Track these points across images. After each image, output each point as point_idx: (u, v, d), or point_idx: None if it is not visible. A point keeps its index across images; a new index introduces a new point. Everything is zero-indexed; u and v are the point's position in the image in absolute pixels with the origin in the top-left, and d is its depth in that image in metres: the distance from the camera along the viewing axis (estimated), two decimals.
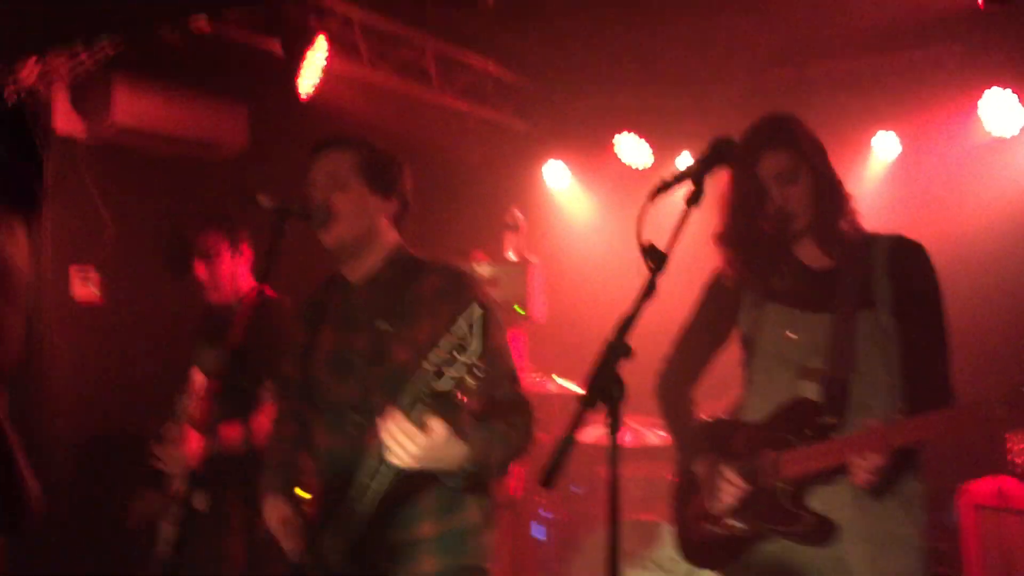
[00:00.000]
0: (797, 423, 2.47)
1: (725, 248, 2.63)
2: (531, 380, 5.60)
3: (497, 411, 2.32)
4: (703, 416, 2.82)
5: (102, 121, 4.43)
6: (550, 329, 5.78)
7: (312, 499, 2.51)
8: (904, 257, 2.50)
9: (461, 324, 1.99)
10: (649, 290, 1.80)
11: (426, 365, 2.02)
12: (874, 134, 5.74)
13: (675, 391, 2.82)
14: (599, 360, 1.72)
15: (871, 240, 2.55)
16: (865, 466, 2.29)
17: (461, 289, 2.36)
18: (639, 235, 1.82)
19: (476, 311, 2.00)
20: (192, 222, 3.63)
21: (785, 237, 2.56)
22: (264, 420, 3.31)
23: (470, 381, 2.00)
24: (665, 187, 1.91)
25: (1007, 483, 4.14)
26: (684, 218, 1.86)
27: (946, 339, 2.49)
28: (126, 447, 4.40)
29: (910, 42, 5.34)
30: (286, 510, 2.45)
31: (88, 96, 4.46)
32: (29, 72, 3.97)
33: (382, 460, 2.12)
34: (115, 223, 4.64)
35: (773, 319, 2.59)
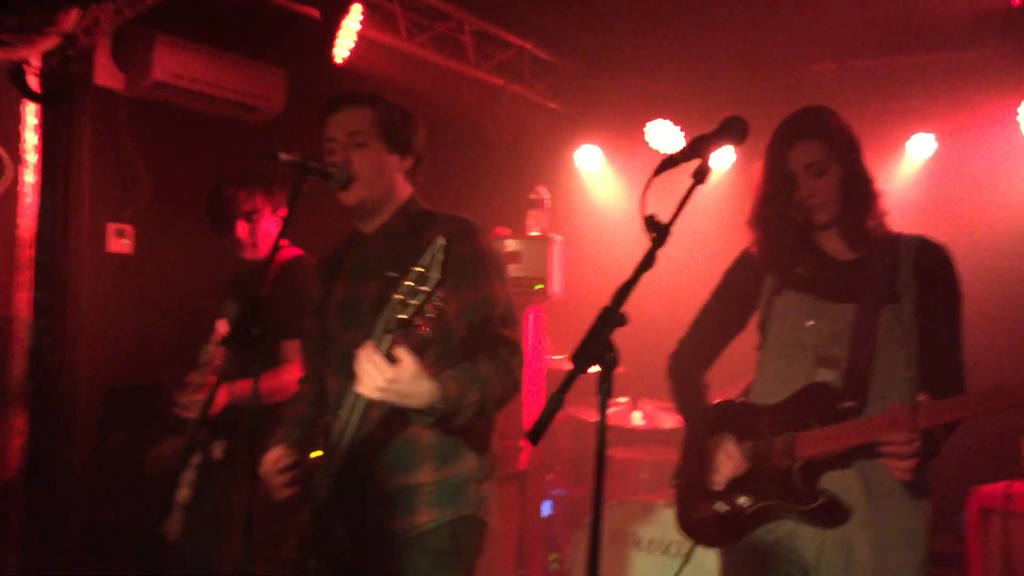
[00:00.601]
0: (816, 406, 2.49)
1: (754, 233, 2.67)
2: (550, 359, 5.65)
3: (480, 350, 2.33)
4: (715, 399, 2.83)
5: (143, 76, 4.50)
6: (572, 310, 5.80)
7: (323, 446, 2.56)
8: (931, 257, 2.54)
9: (426, 255, 2.05)
10: (648, 261, 1.82)
11: (395, 296, 2.07)
12: (911, 134, 5.71)
13: (688, 372, 2.84)
14: (593, 325, 1.74)
15: (896, 239, 2.58)
16: (898, 451, 2.30)
17: (466, 236, 2.39)
18: (642, 207, 1.85)
19: (439, 242, 2.05)
20: (235, 181, 3.67)
21: (810, 227, 2.59)
22: (278, 378, 3.38)
23: (429, 311, 2.05)
24: (671, 162, 1.94)
25: (1016, 487, 4.13)
26: (689, 193, 1.89)
27: (962, 340, 2.54)
28: (151, 395, 4.50)
29: (951, 43, 5.29)
30: (283, 459, 2.44)
31: (130, 51, 4.52)
32: (72, 21, 4.04)
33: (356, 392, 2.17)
34: (151, 178, 4.72)
35: (793, 306, 2.61)
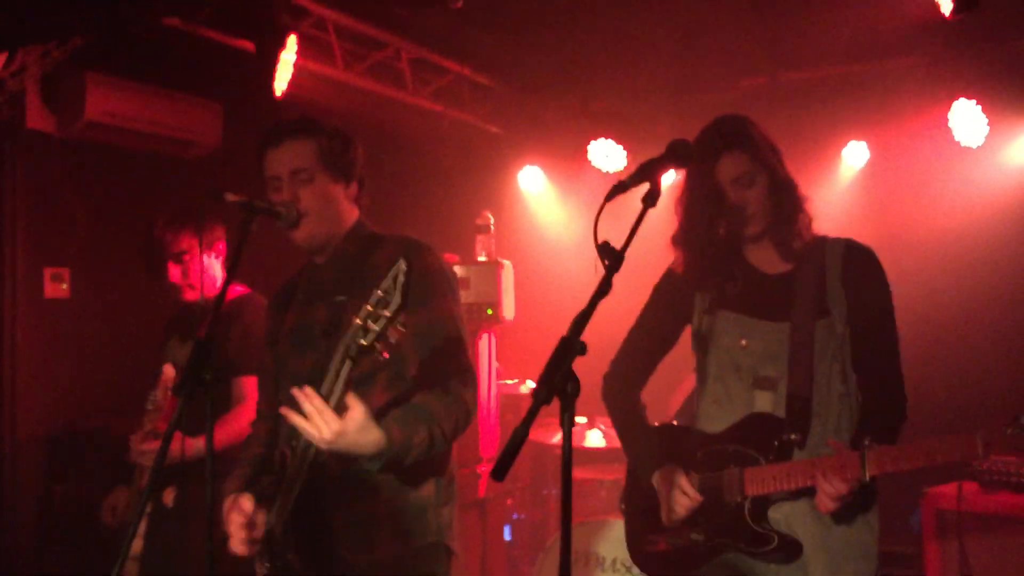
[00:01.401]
0: (760, 438, 2.45)
1: (681, 251, 2.61)
2: (504, 383, 5.63)
3: (435, 376, 2.29)
4: (654, 421, 2.77)
5: (75, 117, 4.42)
6: (522, 332, 5.80)
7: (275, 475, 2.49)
8: (857, 263, 2.50)
9: (387, 280, 2.01)
10: (604, 287, 1.81)
11: (356, 321, 2.03)
12: (845, 143, 5.82)
13: (623, 394, 2.77)
14: (553, 356, 1.73)
15: (822, 243, 2.54)
16: (832, 493, 2.28)
17: (415, 256, 2.34)
18: (595, 234, 1.85)
19: (400, 265, 2.01)
20: (161, 223, 3.57)
21: (740, 241, 2.55)
22: (233, 423, 3.31)
23: (392, 335, 2.01)
24: (622, 188, 1.94)
25: (969, 488, 4.19)
26: (640, 218, 1.89)
27: (896, 343, 2.50)
28: (94, 441, 4.39)
29: (880, 53, 5.42)
30: (245, 508, 2.33)
31: (61, 92, 4.45)
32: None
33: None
34: (87, 219, 4.62)
35: (725, 327, 2.57)
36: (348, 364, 2.06)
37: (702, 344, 2.63)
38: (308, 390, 2.05)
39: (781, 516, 2.46)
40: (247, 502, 2.31)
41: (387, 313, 1.99)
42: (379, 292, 2.02)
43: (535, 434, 5.00)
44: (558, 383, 1.70)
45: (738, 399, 2.52)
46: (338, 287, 2.43)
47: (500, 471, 1.65)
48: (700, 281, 2.60)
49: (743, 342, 2.53)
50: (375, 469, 2.17)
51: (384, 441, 2.11)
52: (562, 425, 1.71)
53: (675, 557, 2.57)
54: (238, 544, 2.29)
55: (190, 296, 3.57)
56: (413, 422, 2.19)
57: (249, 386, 3.38)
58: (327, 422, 2.03)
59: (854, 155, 5.85)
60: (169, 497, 3.42)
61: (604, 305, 1.85)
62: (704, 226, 2.53)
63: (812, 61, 5.65)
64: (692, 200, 2.54)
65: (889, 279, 2.53)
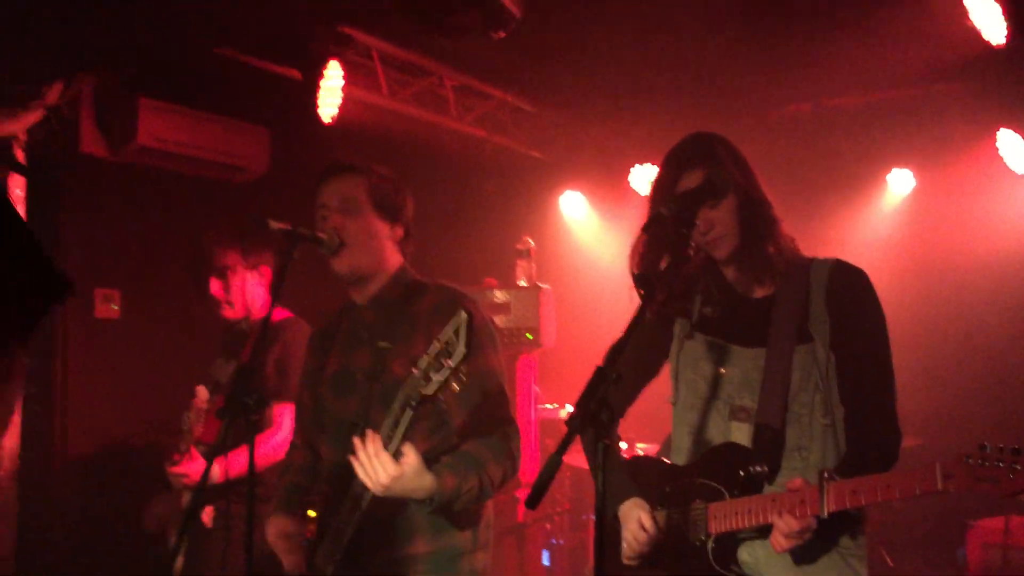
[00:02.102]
0: (725, 470, 2.27)
1: (645, 283, 2.25)
2: (544, 407, 5.64)
3: (481, 427, 2.35)
4: (627, 452, 2.66)
5: (127, 142, 4.52)
6: (563, 358, 5.80)
7: (317, 515, 2.55)
8: (843, 285, 2.28)
9: (448, 330, 2.05)
10: (640, 317, 1.83)
11: (415, 371, 2.09)
12: (889, 170, 5.78)
13: None
14: (588, 385, 1.75)
15: (808, 266, 2.33)
16: (784, 530, 2.08)
17: (456, 305, 2.34)
18: (631, 265, 1.87)
19: (462, 316, 2.05)
20: (209, 239, 3.67)
21: (712, 263, 2.36)
22: (264, 446, 3.36)
23: (454, 385, 2.06)
24: (659, 219, 1.95)
25: (1015, 522, 4.13)
26: (678, 249, 1.91)
27: (889, 372, 2.27)
28: (143, 459, 4.47)
29: (926, 80, 5.37)
30: (288, 527, 2.48)
31: (114, 117, 4.55)
32: (56, 93, 4.08)
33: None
34: (137, 241, 4.73)
35: (703, 353, 2.40)
36: (409, 413, 2.12)
37: (678, 371, 2.47)
38: (371, 433, 2.12)
39: (751, 558, 2.27)
40: (287, 523, 2.45)
41: (451, 363, 2.04)
42: (438, 343, 2.06)
43: (575, 459, 5.00)
44: (592, 411, 1.72)
45: (715, 430, 2.35)
46: (380, 332, 2.48)
47: (534, 500, 1.68)
48: (674, 310, 2.43)
49: (721, 370, 2.35)
50: (425, 513, 2.23)
51: (437, 487, 2.18)
52: (596, 453, 1.73)
53: None
54: (285, 556, 2.44)
55: (228, 313, 3.64)
56: (464, 469, 2.27)
57: (278, 413, 3.44)
58: (385, 467, 2.10)
59: (899, 182, 5.81)
60: (207, 516, 3.47)
61: None
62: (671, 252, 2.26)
63: (856, 87, 5.62)
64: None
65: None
